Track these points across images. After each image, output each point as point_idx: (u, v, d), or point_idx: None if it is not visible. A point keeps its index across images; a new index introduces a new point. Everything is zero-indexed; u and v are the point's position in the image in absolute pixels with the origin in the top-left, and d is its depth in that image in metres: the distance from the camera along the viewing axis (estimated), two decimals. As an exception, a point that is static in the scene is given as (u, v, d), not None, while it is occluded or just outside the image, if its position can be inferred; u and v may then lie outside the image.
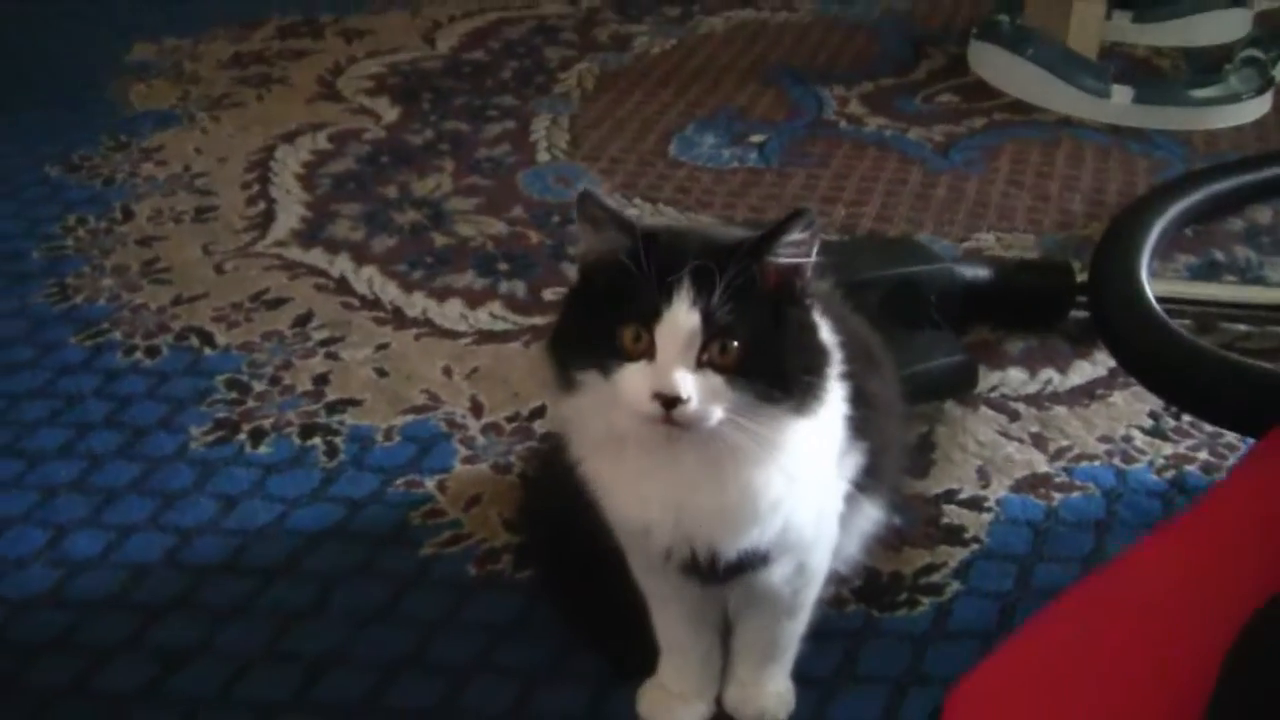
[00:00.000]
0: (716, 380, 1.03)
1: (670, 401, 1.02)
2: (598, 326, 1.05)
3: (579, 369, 1.06)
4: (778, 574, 1.19)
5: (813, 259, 1.06)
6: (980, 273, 1.91)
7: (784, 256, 1.05)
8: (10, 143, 2.48)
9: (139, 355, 1.86)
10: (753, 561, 1.16)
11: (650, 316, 1.02)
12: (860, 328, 1.32)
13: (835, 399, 1.13)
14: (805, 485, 1.13)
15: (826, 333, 1.13)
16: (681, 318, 1.02)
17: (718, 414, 1.03)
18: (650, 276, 1.03)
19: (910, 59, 2.88)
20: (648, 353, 1.03)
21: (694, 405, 1.02)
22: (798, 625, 1.29)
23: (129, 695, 1.33)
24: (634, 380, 1.03)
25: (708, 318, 1.02)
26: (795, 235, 1.03)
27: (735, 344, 1.03)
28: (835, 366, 1.12)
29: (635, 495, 1.13)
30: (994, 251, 2.11)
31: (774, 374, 1.05)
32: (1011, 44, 2.71)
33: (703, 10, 3.12)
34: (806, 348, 1.09)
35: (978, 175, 2.36)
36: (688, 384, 1.02)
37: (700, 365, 1.03)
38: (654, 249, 1.04)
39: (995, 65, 2.74)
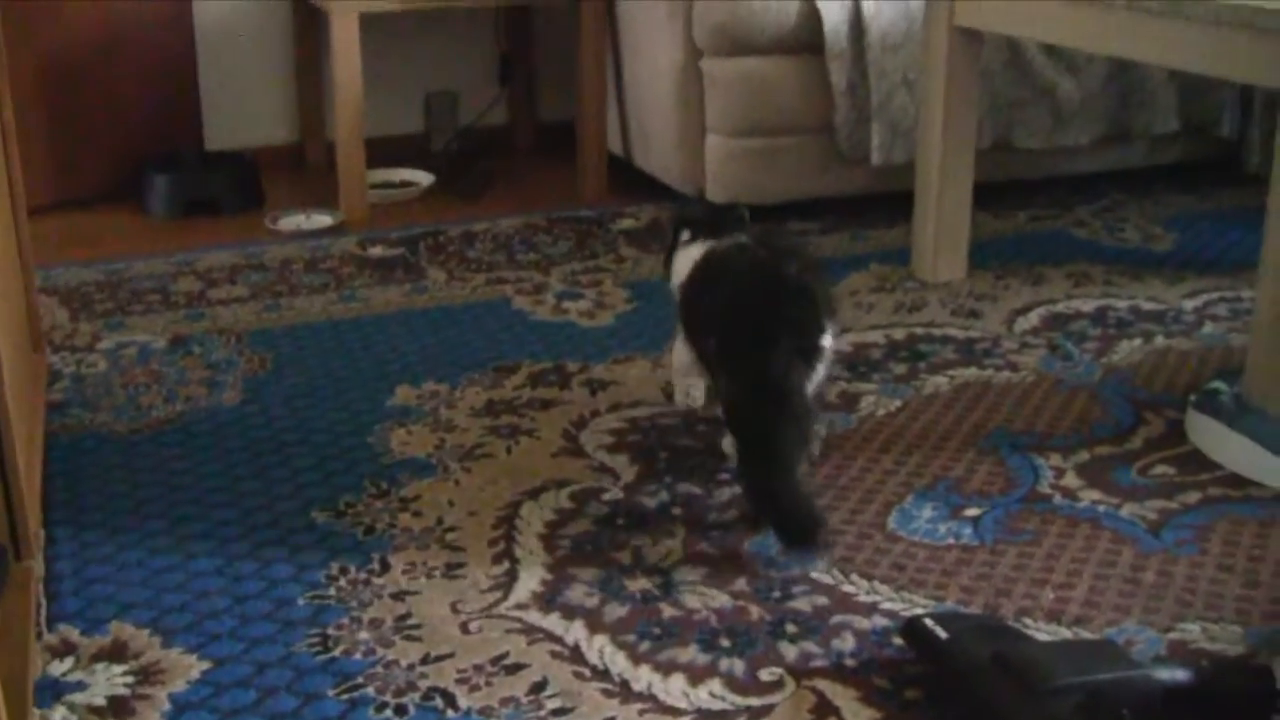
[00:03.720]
0: None
1: None
2: None
3: None
4: None
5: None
6: (1178, 675, 1.98)
7: None
8: (284, 485, 2.73)
9: (389, 713, 2.03)
10: None
11: None
12: None
13: None
14: None
15: None
16: None
17: None
18: None
19: (1130, 422, 2.97)
20: None
21: None
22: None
23: None
24: None
25: None
26: None
27: None
28: None
29: None
30: (1199, 644, 2.18)
31: None
32: (1228, 417, 2.80)
33: (928, 369, 3.25)
34: None
35: (1188, 557, 2.43)
36: None
37: None
38: None
39: (1211, 437, 2.83)
